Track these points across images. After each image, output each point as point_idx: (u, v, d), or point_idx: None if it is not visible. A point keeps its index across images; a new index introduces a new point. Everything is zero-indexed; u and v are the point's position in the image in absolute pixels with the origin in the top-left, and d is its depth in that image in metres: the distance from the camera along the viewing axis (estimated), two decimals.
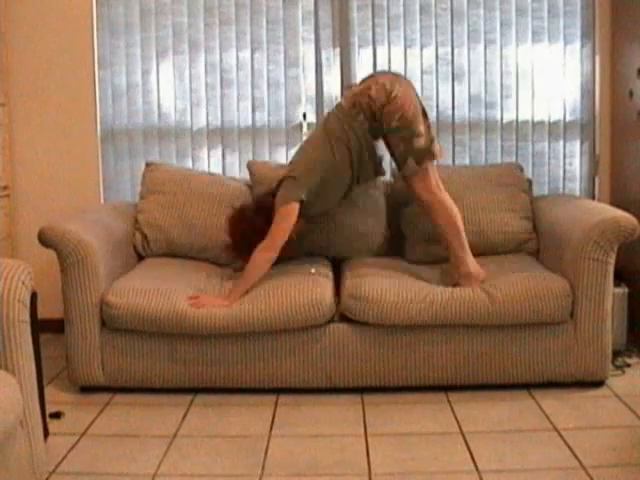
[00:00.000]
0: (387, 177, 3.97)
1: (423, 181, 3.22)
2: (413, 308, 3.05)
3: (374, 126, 3.21)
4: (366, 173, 3.31)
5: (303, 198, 3.16)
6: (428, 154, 3.19)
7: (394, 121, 3.15)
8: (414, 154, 3.17)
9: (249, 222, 3.29)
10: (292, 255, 3.43)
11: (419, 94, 3.36)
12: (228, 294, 3.12)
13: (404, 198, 3.75)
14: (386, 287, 3.10)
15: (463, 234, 3.27)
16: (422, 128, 3.17)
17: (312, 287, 3.12)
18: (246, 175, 3.91)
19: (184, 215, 3.66)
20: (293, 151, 4.09)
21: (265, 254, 3.12)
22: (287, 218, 3.13)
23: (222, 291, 3.21)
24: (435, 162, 3.26)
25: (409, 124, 3.15)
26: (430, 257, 3.57)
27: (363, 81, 3.35)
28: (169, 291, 3.14)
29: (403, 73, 4.03)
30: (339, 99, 4.06)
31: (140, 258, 3.67)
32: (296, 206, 3.15)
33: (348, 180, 3.28)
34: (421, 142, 3.16)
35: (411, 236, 3.67)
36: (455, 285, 3.17)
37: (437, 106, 4.07)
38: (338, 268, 3.52)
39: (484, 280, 3.19)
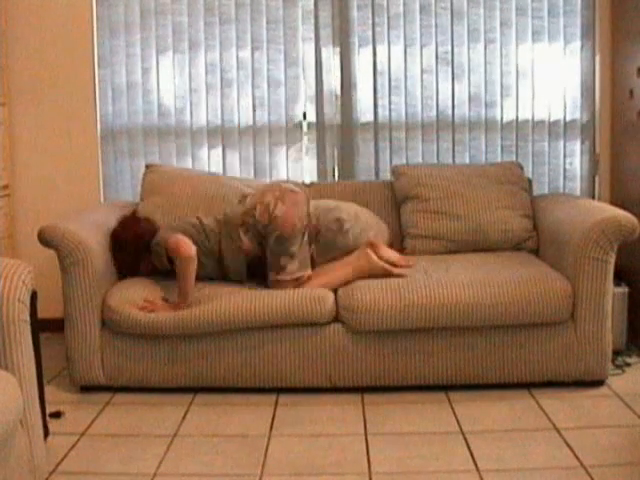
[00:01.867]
0: (387, 176, 4.00)
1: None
2: (409, 313, 3.04)
3: (260, 239, 3.28)
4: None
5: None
6: (293, 277, 3.21)
7: (272, 238, 3.23)
8: (275, 268, 3.22)
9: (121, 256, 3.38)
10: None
11: (312, 207, 3.38)
12: (175, 306, 3.12)
13: (403, 196, 3.77)
14: (380, 293, 3.07)
15: (331, 278, 3.27)
16: (295, 248, 3.22)
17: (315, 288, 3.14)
18: (246, 174, 3.91)
19: (183, 216, 3.65)
20: (293, 150, 4.12)
21: (183, 257, 3.12)
22: (171, 240, 3.20)
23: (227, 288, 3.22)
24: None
25: (284, 242, 3.22)
26: (428, 251, 3.61)
27: (259, 192, 3.38)
28: (168, 295, 3.16)
29: (403, 73, 4.05)
30: (338, 99, 4.08)
31: None
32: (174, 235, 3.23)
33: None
34: (287, 264, 3.21)
35: (410, 232, 3.68)
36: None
37: (437, 105, 4.08)
38: None
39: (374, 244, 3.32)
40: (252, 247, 3.30)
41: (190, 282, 3.13)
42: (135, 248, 3.35)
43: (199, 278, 3.19)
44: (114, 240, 3.36)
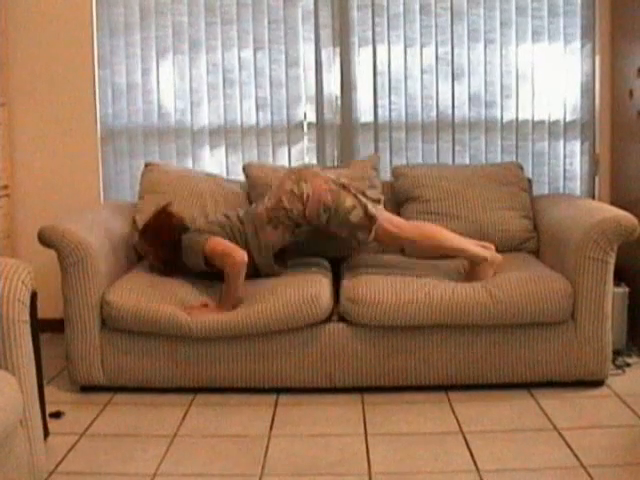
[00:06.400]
0: (387, 176, 4.00)
1: (384, 236, 3.25)
2: (412, 309, 3.04)
3: (303, 229, 3.27)
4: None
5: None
6: (370, 220, 3.20)
7: (322, 216, 3.21)
8: (359, 228, 3.21)
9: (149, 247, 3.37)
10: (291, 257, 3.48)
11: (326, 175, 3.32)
12: (220, 305, 3.13)
13: (404, 197, 3.77)
14: (384, 288, 3.09)
15: (445, 235, 3.27)
16: (349, 202, 3.20)
17: (308, 285, 3.12)
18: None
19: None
20: (294, 150, 4.12)
21: (231, 260, 3.09)
22: (218, 247, 3.16)
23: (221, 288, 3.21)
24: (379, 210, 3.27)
25: (336, 210, 3.19)
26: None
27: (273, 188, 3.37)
28: (169, 293, 3.16)
29: (403, 73, 4.05)
30: (338, 99, 4.08)
31: (140, 258, 3.67)
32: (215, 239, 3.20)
33: None
34: (357, 215, 3.19)
35: None
36: (472, 277, 3.20)
37: (437, 106, 4.07)
38: (338, 267, 3.52)
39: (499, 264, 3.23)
40: (281, 240, 3.27)
41: (239, 287, 3.09)
42: (170, 241, 3.29)
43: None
44: (151, 233, 3.33)
